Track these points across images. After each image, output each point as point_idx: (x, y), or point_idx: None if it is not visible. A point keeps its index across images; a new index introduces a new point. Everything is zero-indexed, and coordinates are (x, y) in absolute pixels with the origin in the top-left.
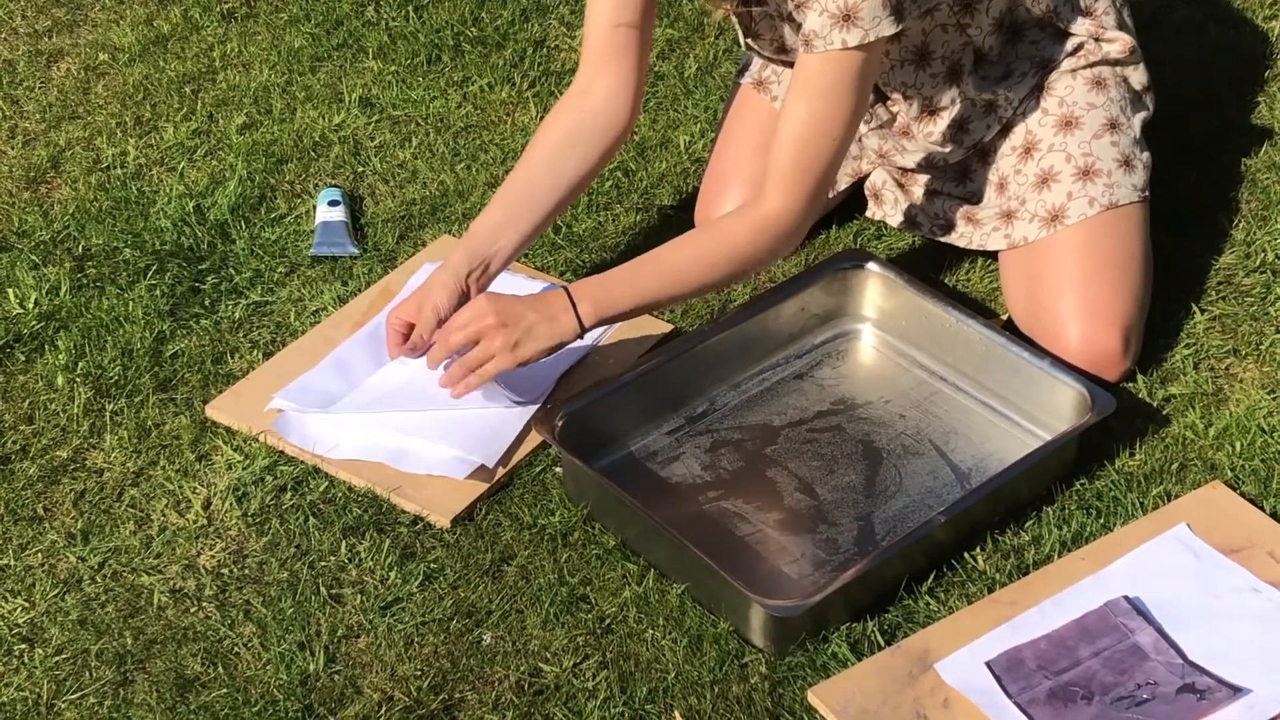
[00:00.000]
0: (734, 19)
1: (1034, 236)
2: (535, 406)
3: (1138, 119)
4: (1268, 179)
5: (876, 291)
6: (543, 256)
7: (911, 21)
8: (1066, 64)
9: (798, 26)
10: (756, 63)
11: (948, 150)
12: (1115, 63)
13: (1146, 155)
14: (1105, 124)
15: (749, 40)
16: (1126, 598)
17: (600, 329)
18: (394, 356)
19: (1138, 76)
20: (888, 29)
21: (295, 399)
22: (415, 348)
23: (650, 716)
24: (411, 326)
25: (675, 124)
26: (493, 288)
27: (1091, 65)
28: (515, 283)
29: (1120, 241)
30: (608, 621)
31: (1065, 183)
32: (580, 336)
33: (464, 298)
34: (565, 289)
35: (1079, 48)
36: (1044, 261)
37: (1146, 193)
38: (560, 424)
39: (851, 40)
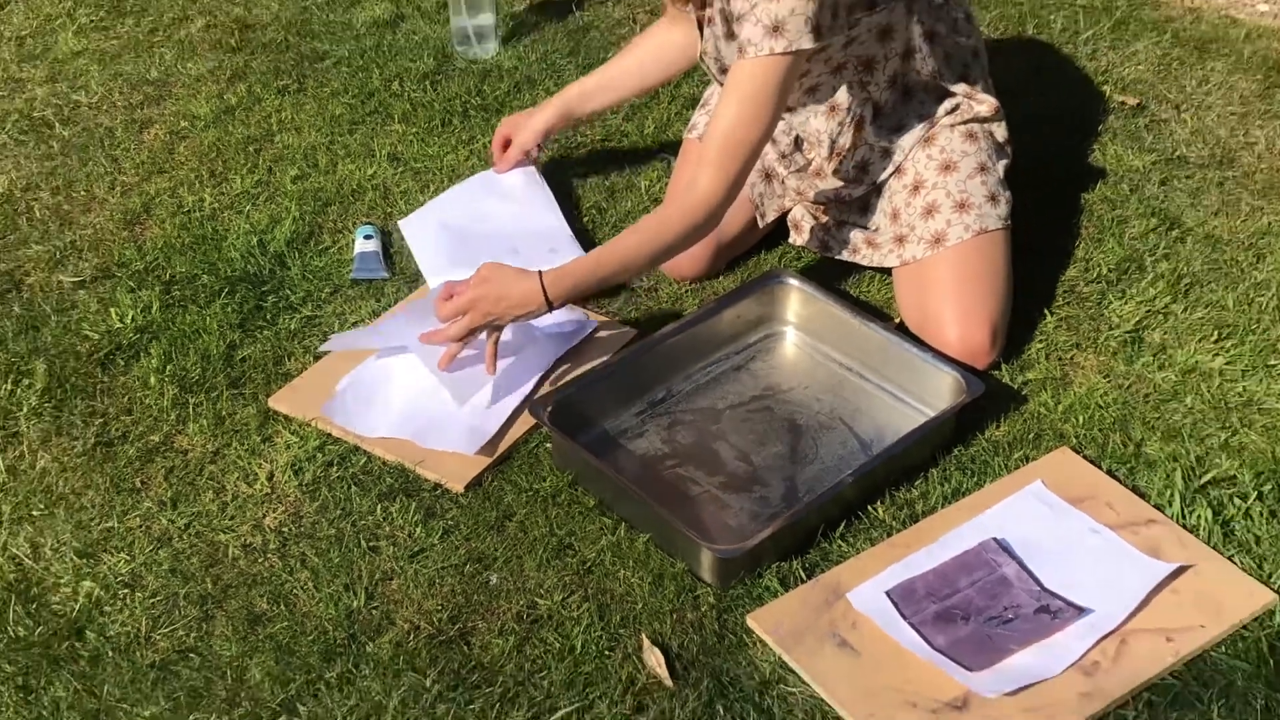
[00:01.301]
0: (696, 29)
1: (921, 256)
2: (523, 398)
3: (1001, 164)
4: (1100, 209)
5: (797, 301)
6: None
7: (820, 72)
8: (946, 120)
9: (733, 44)
10: (700, 120)
11: (852, 188)
12: (984, 120)
13: (1008, 193)
14: (977, 167)
15: (702, 54)
16: (995, 539)
17: (583, 330)
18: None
19: (1000, 131)
20: (807, 43)
21: (338, 344)
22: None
23: (623, 638)
24: (507, 141)
25: (638, 171)
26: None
27: (966, 121)
28: (559, 314)
29: (988, 260)
30: (589, 564)
31: (945, 213)
32: (550, 308)
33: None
34: (538, 273)
35: (956, 107)
36: (929, 276)
37: (1009, 222)
38: (550, 409)
39: (778, 48)
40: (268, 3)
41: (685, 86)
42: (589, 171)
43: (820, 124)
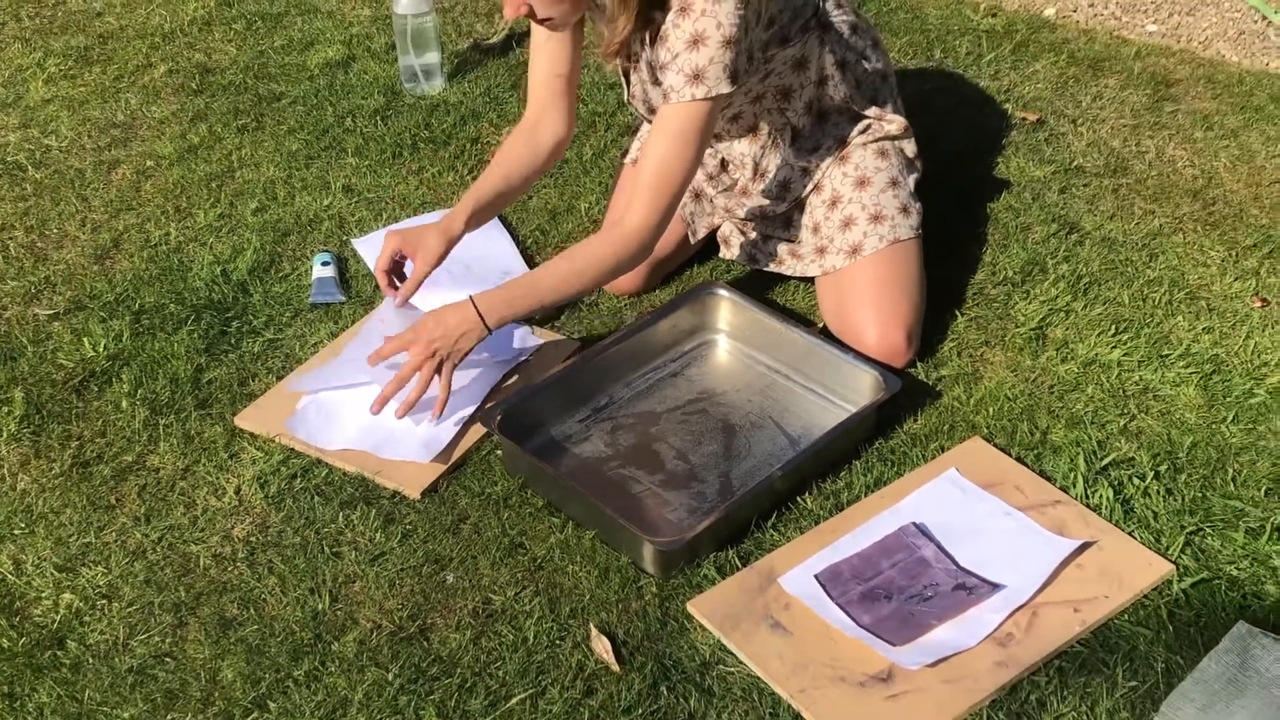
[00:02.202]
0: (621, 77)
1: (840, 265)
2: (475, 408)
3: (911, 178)
4: (1005, 217)
5: (727, 311)
6: None
7: (741, 102)
8: (859, 139)
9: (660, 89)
10: (634, 146)
11: (776, 204)
12: (894, 138)
13: (919, 204)
14: (889, 182)
15: (630, 98)
16: (914, 523)
17: (529, 345)
18: (385, 292)
19: (910, 148)
20: (725, 88)
21: (307, 384)
22: (408, 291)
23: (572, 628)
24: (396, 261)
25: (577, 195)
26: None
27: (877, 140)
28: (518, 333)
29: (902, 266)
30: (539, 561)
31: (861, 225)
32: (488, 332)
33: (439, 258)
34: (471, 299)
35: (868, 127)
36: (848, 283)
37: (919, 231)
38: (499, 417)
39: (699, 94)
40: (226, 48)
41: (620, 115)
42: (530, 195)
43: (744, 147)
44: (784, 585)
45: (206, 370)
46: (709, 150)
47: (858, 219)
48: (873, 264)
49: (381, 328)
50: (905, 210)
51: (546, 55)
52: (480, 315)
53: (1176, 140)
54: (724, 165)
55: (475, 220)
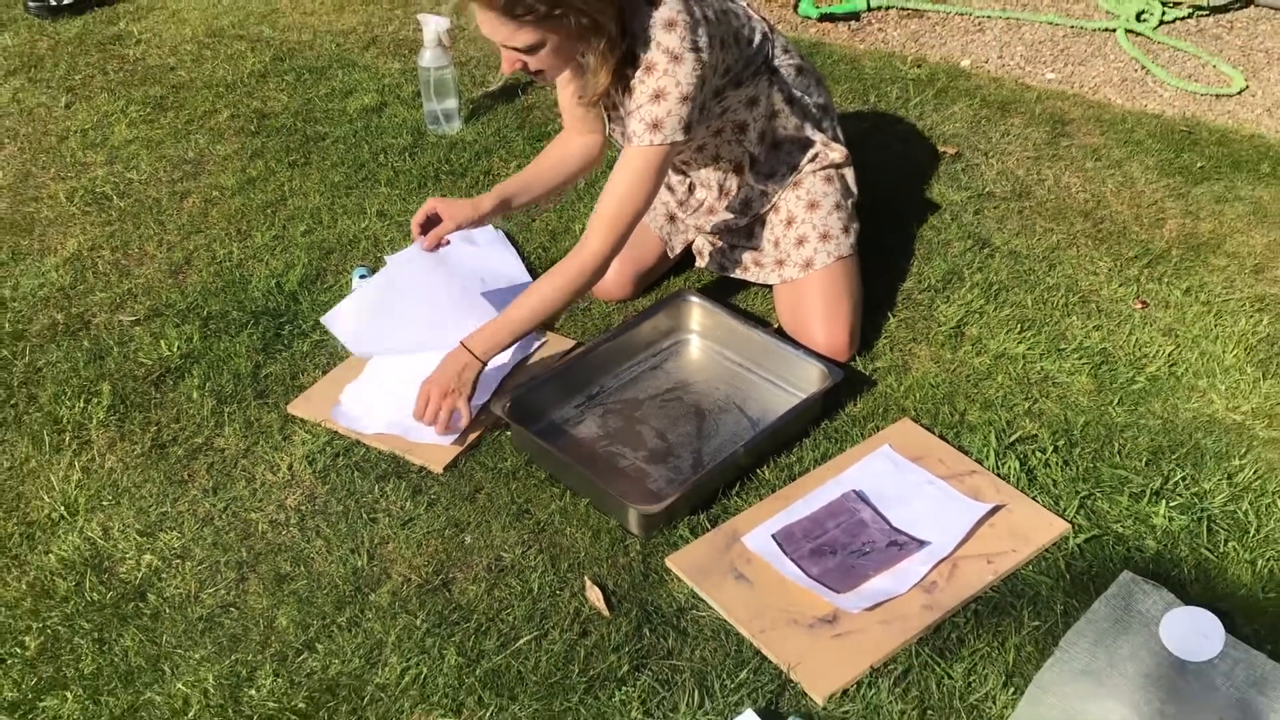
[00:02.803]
0: (605, 116)
1: (795, 276)
2: (489, 398)
3: (850, 201)
4: (929, 234)
5: (698, 314)
6: None
7: (704, 135)
8: (808, 167)
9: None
10: None
11: (739, 219)
12: (838, 166)
13: (857, 224)
14: (834, 205)
15: (611, 128)
16: (854, 491)
17: (506, 354)
18: (415, 237)
19: (850, 174)
20: (679, 137)
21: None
22: (436, 236)
23: (570, 580)
24: (430, 217)
25: (573, 219)
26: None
27: (824, 168)
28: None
29: (846, 278)
30: (542, 524)
31: (813, 243)
32: (484, 365)
33: (463, 223)
34: (462, 343)
35: (816, 155)
36: (801, 293)
37: (857, 247)
38: (508, 404)
39: (656, 140)
40: (279, 96)
41: (610, 152)
42: (533, 218)
43: (708, 173)
44: (746, 543)
45: (264, 367)
46: (679, 178)
47: (809, 237)
48: (821, 277)
49: (404, 262)
50: (846, 230)
51: (571, 89)
52: (471, 353)
53: (1071, 169)
54: (692, 189)
55: (500, 207)
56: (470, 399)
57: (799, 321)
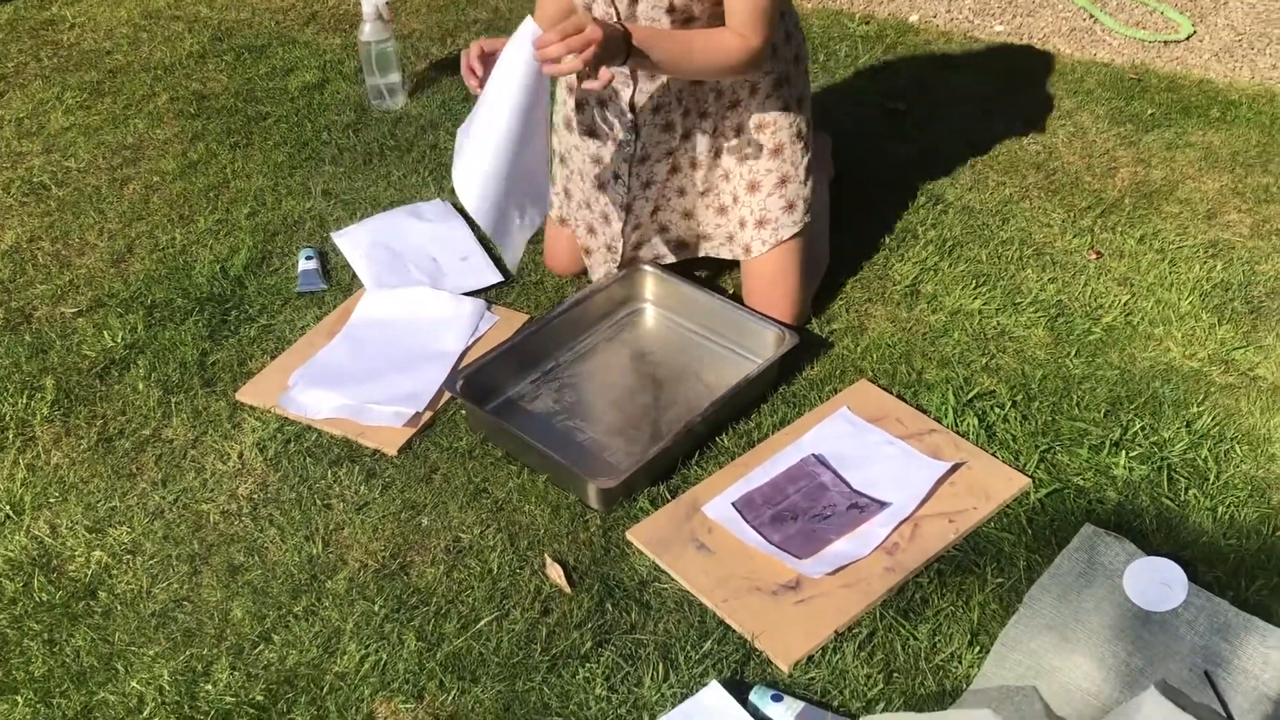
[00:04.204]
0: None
1: (742, 256)
2: (444, 376)
3: (805, 161)
4: (880, 192)
5: (652, 283)
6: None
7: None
8: (767, 136)
9: None
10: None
11: (679, 144)
12: (799, 101)
13: (808, 188)
14: (777, 182)
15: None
16: (814, 455)
17: (486, 321)
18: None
19: (801, 153)
20: None
21: (299, 378)
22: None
23: (530, 559)
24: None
25: None
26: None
27: (779, 91)
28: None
29: (793, 256)
30: (500, 503)
31: (750, 230)
32: (629, 40)
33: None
34: (623, 26)
35: (781, 124)
36: (755, 271)
37: (805, 221)
38: (461, 383)
39: None
40: (219, 77)
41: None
42: None
43: (683, 112)
44: (706, 513)
45: (210, 354)
46: (637, 175)
47: (748, 222)
48: (770, 258)
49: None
50: (791, 207)
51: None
52: (627, 40)
53: (1021, 122)
54: (645, 159)
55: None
56: (599, 50)
57: (755, 298)
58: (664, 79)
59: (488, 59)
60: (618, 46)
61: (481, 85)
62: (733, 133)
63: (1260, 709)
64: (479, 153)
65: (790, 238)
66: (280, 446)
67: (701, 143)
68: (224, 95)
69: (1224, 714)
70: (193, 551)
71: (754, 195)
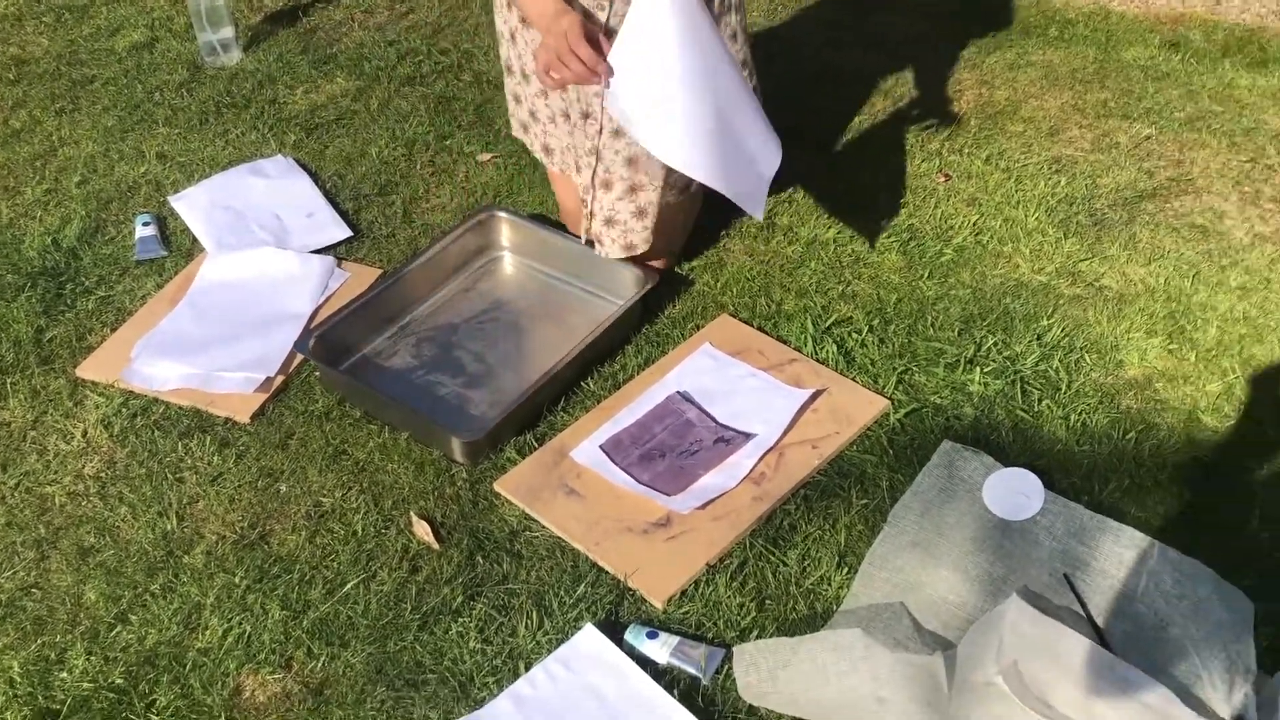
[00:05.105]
0: None
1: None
2: (294, 339)
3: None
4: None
5: (508, 229)
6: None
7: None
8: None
9: None
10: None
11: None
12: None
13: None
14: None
15: None
16: (679, 392)
17: (309, 296)
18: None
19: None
20: None
21: (143, 349)
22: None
23: (395, 518)
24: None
25: (369, 142)
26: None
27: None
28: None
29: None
30: (361, 464)
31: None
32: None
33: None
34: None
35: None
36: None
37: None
38: (313, 343)
39: None
40: (38, 39)
41: (400, 68)
42: (326, 145)
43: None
44: (575, 458)
45: (46, 330)
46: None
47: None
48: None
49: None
50: (643, 213)
51: None
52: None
53: (870, 50)
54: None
55: None
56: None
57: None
58: None
59: (595, 44)
60: (562, 18)
61: (607, 75)
62: None
63: (1116, 606)
64: (684, 120)
65: (639, 244)
66: (126, 421)
67: None
68: (45, 59)
69: (1084, 614)
70: (39, 536)
71: (608, 194)
